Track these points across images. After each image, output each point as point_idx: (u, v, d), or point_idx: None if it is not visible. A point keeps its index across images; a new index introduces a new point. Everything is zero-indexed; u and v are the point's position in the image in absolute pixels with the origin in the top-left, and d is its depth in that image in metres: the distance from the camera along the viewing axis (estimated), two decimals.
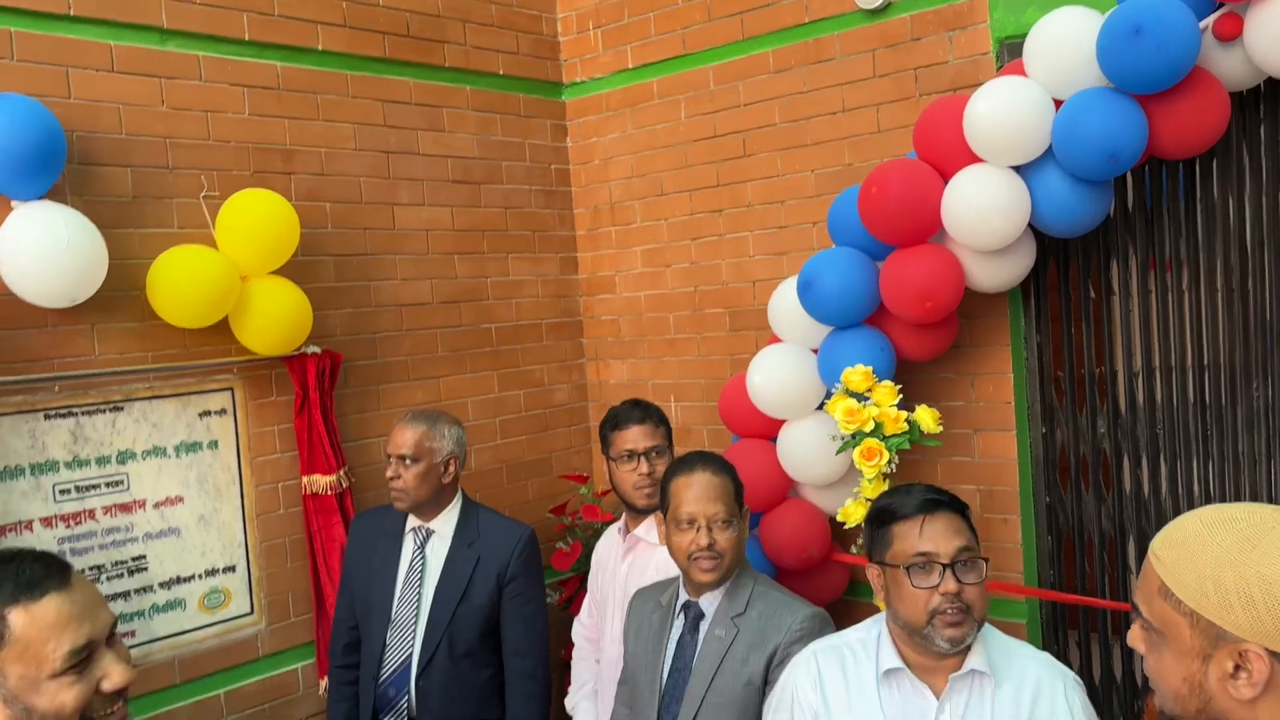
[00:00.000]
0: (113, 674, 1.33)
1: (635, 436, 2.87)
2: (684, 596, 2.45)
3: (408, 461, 2.89)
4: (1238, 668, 1.23)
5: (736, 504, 2.37)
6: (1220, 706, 1.26)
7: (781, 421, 3.19)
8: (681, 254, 4.00)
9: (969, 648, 1.93)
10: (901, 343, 3.03)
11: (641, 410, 2.91)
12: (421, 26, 3.76)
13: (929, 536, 1.90)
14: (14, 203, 2.65)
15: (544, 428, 4.16)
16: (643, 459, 2.85)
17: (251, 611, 3.21)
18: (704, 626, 2.39)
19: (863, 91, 3.45)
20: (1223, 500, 2.94)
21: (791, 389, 3.09)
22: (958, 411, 3.30)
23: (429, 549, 2.97)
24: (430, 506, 2.96)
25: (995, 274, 2.87)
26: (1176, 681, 1.30)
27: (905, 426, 2.83)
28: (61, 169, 2.69)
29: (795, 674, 2.11)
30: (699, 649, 2.37)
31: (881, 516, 2.00)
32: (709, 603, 2.40)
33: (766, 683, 2.26)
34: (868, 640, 2.05)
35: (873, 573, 2.01)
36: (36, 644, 1.27)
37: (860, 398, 2.87)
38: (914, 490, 2.00)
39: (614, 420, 2.94)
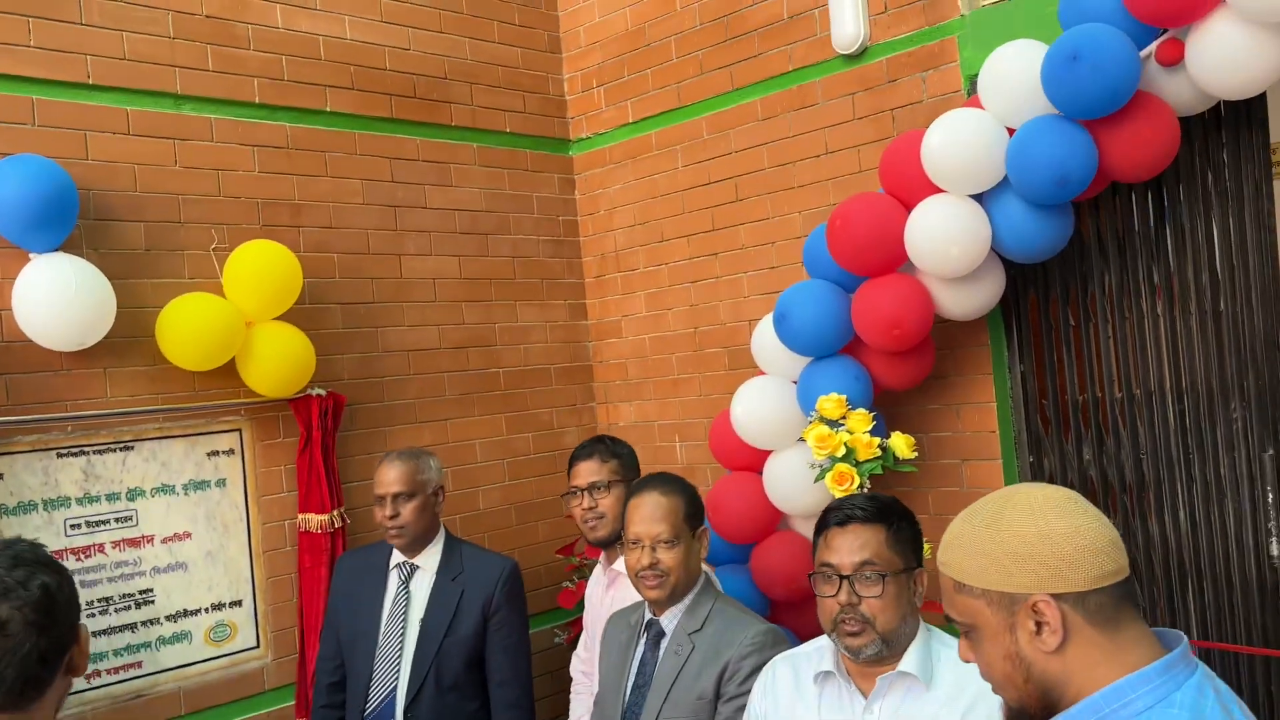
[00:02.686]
0: None
1: (580, 472, 2.94)
2: (648, 615, 2.51)
3: (403, 498, 2.97)
4: (1039, 625, 1.32)
5: (687, 524, 2.43)
6: (1040, 670, 1.33)
7: (768, 453, 3.25)
8: (681, 296, 4.11)
9: (904, 651, 1.98)
10: (879, 372, 3.07)
11: (590, 447, 2.99)
12: (428, 88, 3.96)
13: (835, 548, 2.00)
14: (31, 255, 2.87)
15: (553, 469, 4.25)
16: (585, 494, 2.91)
17: (257, 645, 3.33)
18: (664, 643, 2.44)
19: (844, 133, 3.55)
20: (1206, 524, 2.91)
21: (773, 420, 3.15)
22: (945, 442, 3.32)
23: (413, 584, 3.03)
24: (420, 541, 3.04)
25: (964, 301, 2.92)
26: (1000, 663, 1.36)
27: (878, 452, 2.86)
28: (73, 224, 2.91)
29: (754, 683, 2.23)
30: (658, 665, 2.42)
31: (817, 524, 2.09)
32: (669, 621, 2.46)
33: (718, 695, 2.31)
34: (821, 646, 2.15)
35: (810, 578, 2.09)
36: None
37: (834, 425, 2.92)
38: (851, 501, 2.08)
39: (570, 459, 3.03)
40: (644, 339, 4.26)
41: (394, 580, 3.05)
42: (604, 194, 4.37)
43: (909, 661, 1.98)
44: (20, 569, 1.43)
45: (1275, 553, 2.76)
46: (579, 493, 2.95)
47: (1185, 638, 1.36)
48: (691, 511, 2.46)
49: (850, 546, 1.99)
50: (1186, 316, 2.94)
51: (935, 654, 2.01)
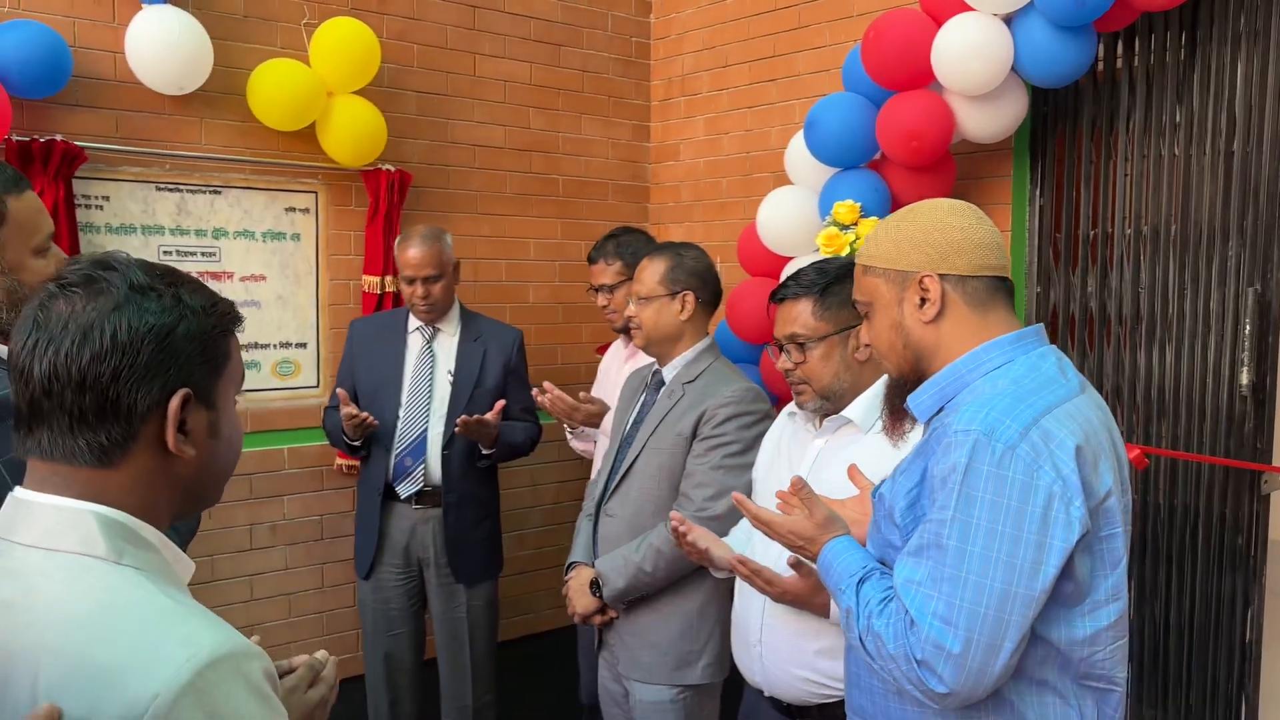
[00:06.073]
0: (62, 259, 1.74)
1: (593, 274, 3.33)
2: (656, 368, 2.83)
3: (432, 280, 3.23)
4: (922, 300, 1.57)
5: (663, 284, 2.69)
6: (916, 337, 1.60)
7: (787, 260, 3.48)
8: (738, 122, 4.30)
9: (853, 398, 2.22)
10: (898, 188, 3.26)
11: (599, 249, 3.35)
12: None
13: (775, 322, 2.26)
14: (143, 4, 3.22)
15: None
16: (598, 294, 3.31)
17: (317, 385, 3.76)
18: (662, 390, 2.76)
19: None
20: (1189, 356, 3.08)
21: (794, 226, 3.38)
22: None
23: (436, 344, 3.36)
24: (442, 311, 3.36)
25: (984, 121, 3.06)
26: (886, 332, 1.63)
27: None
28: None
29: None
30: (654, 405, 2.74)
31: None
32: (670, 372, 2.76)
33: (695, 435, 2.61)
34: None
35: None
36: (28, 226, 1.63)
37: (846, 229, 3.14)
38: (791, 276, 2.28)
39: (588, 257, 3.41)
40: (699, 162, 4.48)
41: (416, 341, 3.37)
42: (678, 18, 4.54)
43: (852, 409, 2.20)
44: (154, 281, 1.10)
45: (1244, 382, 2.92)
46: (594, 291, 3.35)
47: (1043, 326, 1.60)
48: (671, 276, 2.70)
49: (782, 320, 2.23)
50: (1201, 156, 3.04)
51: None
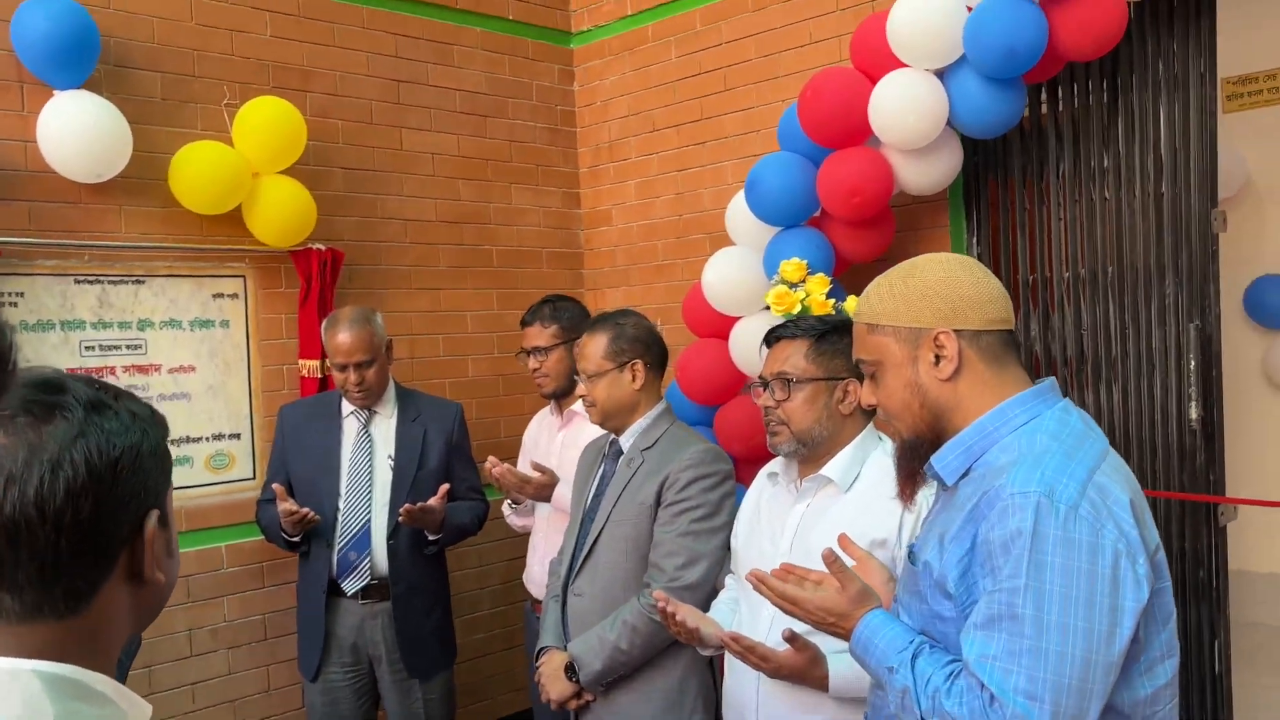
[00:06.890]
0: None
1: (526, 336, 3.24)
2: (612, 438, 2.75)
3: (365, 365, 3.08)
4: (937, 356, 1.52)
5: (609, 358, 2.64)
6: (934, 396, 1.54)
7: (735, 320, 3.46)
8: (669, 185, 4.30)
9: (830, 456, 2.18)
10: (841, 243, 3.28)
11: (534, 313, 3.25)
12: None
13: (765, 361, 2.25)
14: (55, 91, 3.09)
15: None
16: (530, 356, 3.20)
17: (253, 477, 3.59)
18: (621, 459, 2.68)
19: (828, 24, 3.72)
20: (1136, 394, 3.13)
21: (740, 285, 3.36)
22: None
23: (373, 428, 3.21)
24: (378, 394, 3.22)
25: (922, 174, 3.10)
26: (900, 391, 1.57)
27: (833, 311, 3.07)
28: (94, 64, 3.12)
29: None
30: (614, 477, 2.66)
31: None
32: (627, 440, 2.69)
33: (658, 503, 2.54)
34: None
35: None
36: None
37: (794, 286, 3.13)
38: (791, 319, 2.29)
39: (521, 321, 3.31)
40: (632, 226, 4.47)
41: (352, 425, 3.20)
42: (601, 85, 4.55)
43: (831, 468, 2.17)
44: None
45: (1193, 416, 2.97)
46: (525, 354, 3.24)
47: (1055, 379, 1.58)
48: (615, 348, 2.64)
49: (773, 358, 2.22)
50: (1131, 199, 3.13)
51: (866, 461, 2.17)
